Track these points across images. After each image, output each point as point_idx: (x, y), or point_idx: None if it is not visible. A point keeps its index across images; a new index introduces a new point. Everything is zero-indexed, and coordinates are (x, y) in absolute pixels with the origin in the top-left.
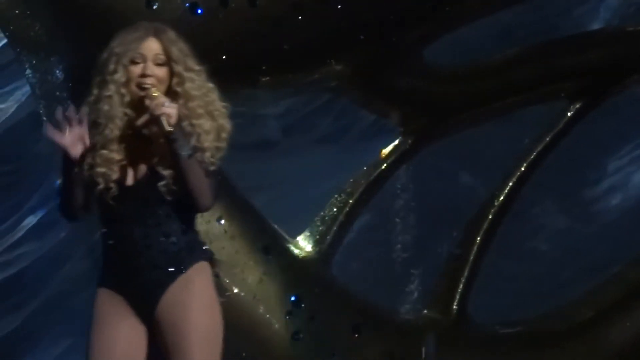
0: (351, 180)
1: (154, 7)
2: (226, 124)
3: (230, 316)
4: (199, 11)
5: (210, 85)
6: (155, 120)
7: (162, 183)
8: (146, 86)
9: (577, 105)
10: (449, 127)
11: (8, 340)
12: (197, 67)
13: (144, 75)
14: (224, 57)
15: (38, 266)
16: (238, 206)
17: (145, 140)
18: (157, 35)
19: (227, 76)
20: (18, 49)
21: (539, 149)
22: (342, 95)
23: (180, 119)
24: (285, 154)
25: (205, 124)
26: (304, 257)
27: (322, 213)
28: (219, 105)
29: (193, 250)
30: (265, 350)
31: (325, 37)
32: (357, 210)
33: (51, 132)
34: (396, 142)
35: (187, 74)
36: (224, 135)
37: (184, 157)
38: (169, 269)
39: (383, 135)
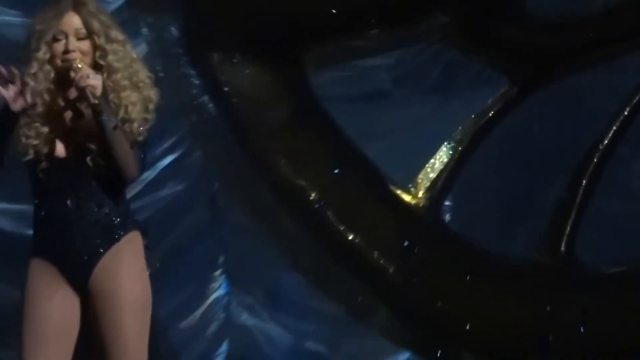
0: (460, 128)
1: None
2: (152, 94)
3: (346, 261)
4: None
5: (134, 55)
6: (81, 92)
7: (89, 157)
8: (70, 58)
9: None
10: (554, 75)
11: None
12: (120, 38)
13: (66, 52)
14: (333, 10)
15: (159, 217)
16: (352, 156)
17: (77, 113)
18: (76, 8)
19: (338, 29)
20: (134, 9)
21: None
22: (449, 47)
23: (105, 91)
24: (396, 104)
25: (132, 95)
26: (415, 204)
27: (432, 161)
28: (143, 76)
29: (125, 221)
30: (380, 295)
31: None
32: (466, 157)
33: None
34: (502, 90)
35: (109, 46)
36: (150, 106)
37: (109, 129)
38: (102, 240)
39: (490, 85)
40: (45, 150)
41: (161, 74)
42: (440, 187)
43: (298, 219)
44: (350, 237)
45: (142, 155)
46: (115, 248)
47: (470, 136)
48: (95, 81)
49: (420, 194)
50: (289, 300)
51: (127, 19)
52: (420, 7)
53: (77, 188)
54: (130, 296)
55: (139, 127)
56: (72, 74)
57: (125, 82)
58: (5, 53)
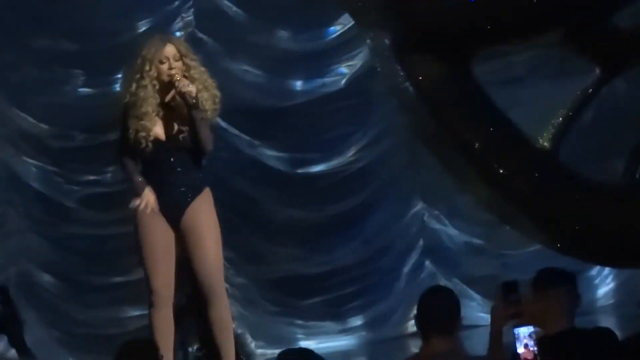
0: (571, 99)
1: None
2: (217, 92)
3: (498, 187)
4: None
5: (203, 69)
6: (181, 95)
7: (183, 135)
8: (173, 75)
9: None
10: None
11: (358, 209)
12: (195, 58)
13: (170, 68)
14: (492, 25)
15: (377, 161)
16: (501, 119)
17: (170, 111)
18: (172, 41)
19: (496, 37)
20: (361, 27)
21: None
22: (565, 47)
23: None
24: (527, 85)
25: (205, 94)
26: (542, 148)
27: (552, 121)
28: (210, 82)
29: (202, 180)
30: (520, 208)
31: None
32: (576, 117)
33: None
34: (598, 74)
35: (191, 63)
36: (217, 100)
37: (198, 119)
38: (190, 193)
39: (591, 70)
40: (150, 138)
41: (379, 69)
42: (558, 138)
43: (467, 160)
44: (500, 171)
45: (212, 134)
46: (198, 198)
47: (578, 103)
48: (191, 87)
49: (545, 143)
50: (461, 212)
51: (356, 34)
52: (548, 23)
53: (175, 158)
54: (211, 230)
55: (211, 115)
56: (176, 84)
57: (200, 86)
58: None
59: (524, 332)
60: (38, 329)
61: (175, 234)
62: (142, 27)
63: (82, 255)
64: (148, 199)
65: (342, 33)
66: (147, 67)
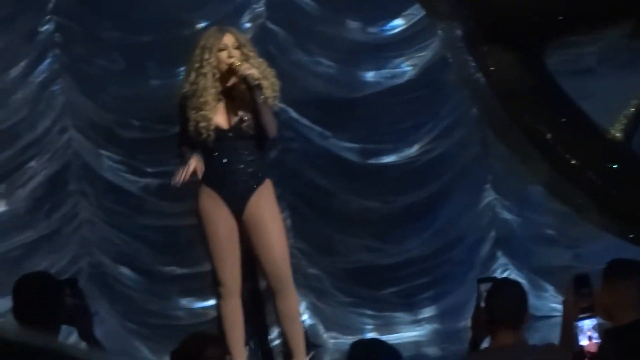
0: None
1: None
2: (276, 81)
3: (570, 177)
4: None
5: (261, 60)
6: (244, 79)
7: (245, 123)
8: (233, 62)
9: None
10: None
11: (429, 200)
12: (252, 49)
13: (230, 57)
14: (558, 19)
15: (449, 151)
16: (572, 109)
17: (231, 100)
18: (230, 31)
19: (567, 29)
20: (433, 18)
21: None
22: (633, 39)
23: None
24: (598, 76)
25: (265, 82)
26: (614, 139)
27: (624, 112)
28: (269, 71)
29: (265, 170)
30: (592, 198)
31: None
32: None
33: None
34: None
35: (249, 53)
36: (276, 88)
37: (260, 102)
38: (253, 182)
39: None
40: (212, 127)
41: (450, 60)
42: (630, 128)
43: (539, 150)
44: (572, 162)
45: (275, 120)
46: (260, 187)
47: None
48: (252, 70)
49: (617, 133)
50: (532, 202)
51: (428, 25)
52: (618, 15)
53: (235, 147)
54: (275, 220)
55: (272, 101)
56: (237, 69)
57: (259, 75)
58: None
59: (588, 325)
60: (111, 320)
61: (238, 224)
62: (213, 18)
63: (155, 246)
64: (189, 167)
65: (413, 24)
66: (207, 56)
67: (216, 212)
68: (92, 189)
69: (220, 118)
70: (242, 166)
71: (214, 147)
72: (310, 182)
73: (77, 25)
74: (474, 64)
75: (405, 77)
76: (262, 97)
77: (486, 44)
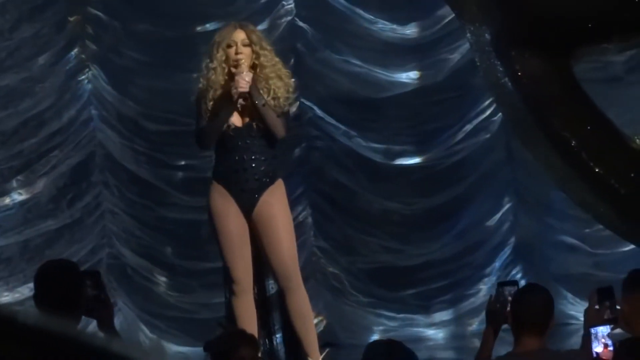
0: None
1: None
2: (291, 82)
3: (592, 185)
4: None
5: (277, 59)
6: (234, 90)
7: (256, 122)
8: (239, 58)
9: None
10: None
11: (451, 203)
12: (268, 47)
13: (237, 53)
14: (589, 25)
15: (474, 155)
16: (598, 118)
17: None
18: (242, 27)
19: (595, 36)
20: (462, 21)
21: None
22: None
23: (256, 81)
24: (626, 86)
25: (277, 82)
26: (639, 149)
27: None
28: (284, 71)
29: (276, 170)
30: (614, 207)
31: None
32: None
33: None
34: None
35: (261, 52)
36: (290, 89)
37: (259, 105)
38: (265, 181)
39: None
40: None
41: (478, 64)
42: None
43: (563, 157)
44: (596, 170)
45: (287, 121)
46: (271, 187)
47: None
48: (241, 80)
49: None
50: (555, 209)
51: (457, 27)
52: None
53: (250, 145)
54: (284, 219)
55: (284, 102)
56: (235, 70)
57: (272, 74)
58: None
59: (602, 331)
60: (129, 311)
61: (248, 221)
62: (243, 14)
63: (176, 239)
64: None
65: (442, 26)
66: (216, 51)
67: (227, 210)
68: (115, 180)
69: (233, 115)
70: (253, 164)
71: (228, 143)
72: (333, 181)
73: (107, 17)
74: (501, 69)
75: (433, 79)
76: (262, 101)
77: (514, 48)
